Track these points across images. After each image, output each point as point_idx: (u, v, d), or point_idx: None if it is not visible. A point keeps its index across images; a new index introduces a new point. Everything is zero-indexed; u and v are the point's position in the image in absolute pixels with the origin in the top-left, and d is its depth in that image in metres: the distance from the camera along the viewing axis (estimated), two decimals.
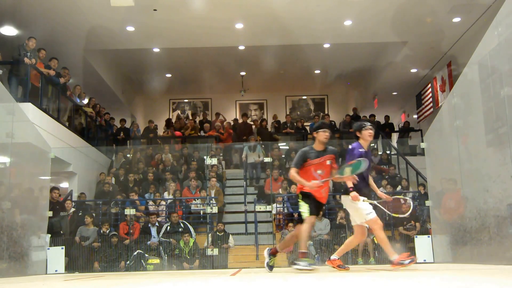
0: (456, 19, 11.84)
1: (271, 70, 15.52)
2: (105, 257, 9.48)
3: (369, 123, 5.69)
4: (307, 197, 5.52)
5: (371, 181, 5.73)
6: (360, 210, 5.41)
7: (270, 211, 10.64)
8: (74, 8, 11.00)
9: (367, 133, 5.60)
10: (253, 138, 13.43)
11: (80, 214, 10.30)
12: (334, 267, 5.72)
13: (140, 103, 18.74)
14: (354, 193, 5.32)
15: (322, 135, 5.61)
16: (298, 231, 5.63)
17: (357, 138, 5.72)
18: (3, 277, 6.53)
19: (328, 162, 5.59)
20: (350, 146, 5.72)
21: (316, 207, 5.53)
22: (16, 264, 7.32)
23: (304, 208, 5.50)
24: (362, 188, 5.48)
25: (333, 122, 15.65)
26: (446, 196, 8.17)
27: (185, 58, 14.81)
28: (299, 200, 5.60)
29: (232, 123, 15.87)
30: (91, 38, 12.37)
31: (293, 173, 5.56)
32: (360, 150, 5.57)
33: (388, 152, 13.93)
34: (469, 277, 3.59)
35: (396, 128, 16.87)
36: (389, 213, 5.92)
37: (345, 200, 5.57)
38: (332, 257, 5.78)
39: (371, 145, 14.24)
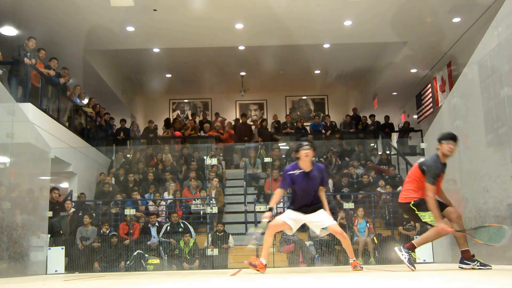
0: (456, 19, 11.84)
1: (271, 70, 15.52)
2: (105, 257, 9.48)
3: (306, 143, 5.51)
4: (421, 204, 5.41)
5: (323, 198, 5.76)
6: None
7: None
8: (74, 8, 11.00)
9: (303, 153, 5.46)
10: (253, 152, 13.20)
11: (80, 214, 10.30)
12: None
13: (140, 103, 18.74)
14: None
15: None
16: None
17: (297, 158, 5.61)
18: (3, 277, 6.53)
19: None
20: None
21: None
22: (16, 264, 7.32)
23: (428, 217, 5.53)
24: (299, 203, 5.59)
25: (333, 123, 15.65)
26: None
27: (185, 58, 14.81)
28: (417, 212, 5.56)
29: (232, 123, 15.88)
30: (91, 38, 12.38)
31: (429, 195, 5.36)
32: (291, 172, 5.54)
33: (388, 152, 13.92)
34: (469, 277, 3.59)
35: (396, 128, 16.86)
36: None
37: None
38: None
39: (371, 145, 14.26)
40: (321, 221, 5.63)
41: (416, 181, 5.40)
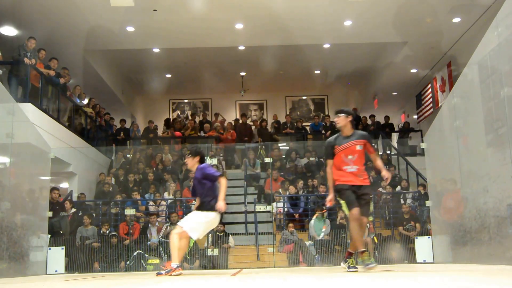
0: (456, 19, 11.84)
1: (271, 70, 15.53)
2: (105, 257, 9.47)
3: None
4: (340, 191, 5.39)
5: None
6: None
7: (270, 211, 10.64)
8: (74, 8, 11.00)
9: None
10: (252, 153, 13.18)
11: (80, 214, 10.30)
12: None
13: (140, 103, 18.74)
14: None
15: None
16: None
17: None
18: (3, 278, 6.53)
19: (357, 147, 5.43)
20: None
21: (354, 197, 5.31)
22: (16, 264, 7.31)
23: (344, 206, 5.39)
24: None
25: (333, 123, 15.63)
26: (446, 196, 8.17)
27: (185, 59, 14.81)
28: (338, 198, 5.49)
29: (233, 123, 15.87)
30: (91, 38, 12.38)
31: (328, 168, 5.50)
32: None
33: (388, 152, 13.93)
34: (469, 277, 3.59)
35: (396, 129, 16.87)
36: None
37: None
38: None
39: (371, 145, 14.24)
40: None
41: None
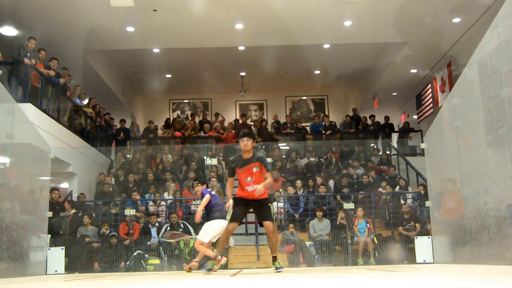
0: (456, 20, 11.84)
1: (271, 70, 15.53)
2: (105, 257, 9.47)
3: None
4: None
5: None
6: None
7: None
8: (74, 9, 11.00)
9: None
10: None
11: (80, 214, 10.30)
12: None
13: (140, 104, 18.74)
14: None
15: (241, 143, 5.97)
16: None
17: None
18: (3, 278, 6.53)
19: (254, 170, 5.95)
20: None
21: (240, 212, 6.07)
22: (16, 264, 7.31)
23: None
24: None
25: (333, 123, 15.66)
26: (446, 196, 8.17)
27: (185, 59, 14.81)
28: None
29: (233, 124, 15.86)
30: (91, 38, 12.37)
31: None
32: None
33: (388, 152, 13.93)
34: (469, 277, 3.59)
35: (396, 129, 16.87)
36: None
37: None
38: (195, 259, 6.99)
39: (371, 145, 14.28)
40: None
41: None
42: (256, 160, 5.90)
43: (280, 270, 5.95)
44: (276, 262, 6.11)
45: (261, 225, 6.06)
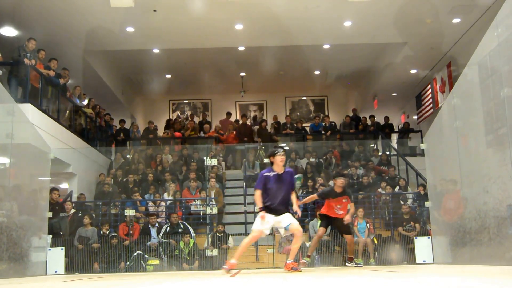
0: (456, 20, 11.84)
1: (271, 71, 15.52)
2: (104, 258, 9.47)
3: (282, 149, 6.33)
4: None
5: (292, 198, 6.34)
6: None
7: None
8: (74, 9, 11.00)
9: (279, 159, 6.16)
10: (251, 156, 13.18)
11: (79, 215, 10.29)
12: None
13: (140, 104, 18.74)
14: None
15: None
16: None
17: (271, 163, 6.31)
18: (3, 278, 6.53)
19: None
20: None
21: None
22: (15, 265, 7.31)
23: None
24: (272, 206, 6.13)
25: (333, 123, 15.65)
26: (446, 197, 8.17)
27: (185, 59, 14.80)
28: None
29: (233, 124, 15.86)
30: (91, 39, 12.37)
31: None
32: (266, 174, 6.24)
33: (388, 153, 13.92)
34: (468, 278, 3.59)
35: (396, 129, 16.87)
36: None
37: None
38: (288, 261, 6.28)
39: (371, 145, 14.28)
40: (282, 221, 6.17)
41: None
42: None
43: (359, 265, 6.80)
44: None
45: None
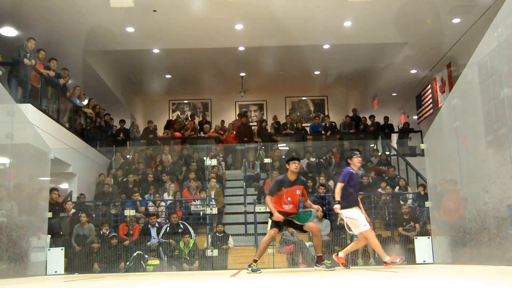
0: (456, 20, 11.84)
1: (271, 71, 15.52)
2: (104, 258, 9.47)
3: (358, 152, 6.81)
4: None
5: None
6: (357, 222, 6.52)
7: (269, 212, 10.61)
8: (73, 9, 11.00)
9: (357, 161, 6.72)
10: (251, 156, 13.16)
11: (80, 215, 10.29)
12: (340, 263, 6.88)
13: (140, 104, 18.73)
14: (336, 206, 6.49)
15: (293, 166, 6.56)
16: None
17: (348, 164, 6.81)
18: (3, 278, 6.53)
19: (297, 192, 6.61)
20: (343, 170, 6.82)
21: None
22: (15, 265, 7.31)
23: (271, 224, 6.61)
24: (353, 201, 6.56)
25: (333, 123, 15.65)
26: (446, 197, 8.17)
27: (185, 59, 14.80)
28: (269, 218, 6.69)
29: (233, 124, 15.83)
30: (90, 39, 12.37)
31: (268, 200, 6.59)
32: (352, 171, 6.69)
33: (387, 153, 13.92)
34: (468, 278, 3.59)
35: (396, 129, 16.87)
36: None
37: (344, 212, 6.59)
38: (340, 254, 6.88)
39: (371, 146, 14.28)
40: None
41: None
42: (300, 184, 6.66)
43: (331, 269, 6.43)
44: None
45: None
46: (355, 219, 6.48)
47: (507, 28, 5.72)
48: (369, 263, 9.33)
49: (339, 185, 6.51)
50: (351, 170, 6.63)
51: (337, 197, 6.47)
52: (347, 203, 6.48)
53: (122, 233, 9.92)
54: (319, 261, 6.62)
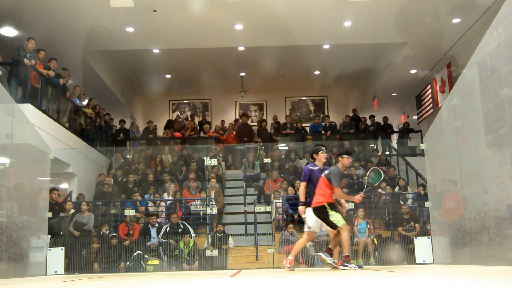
0: (456, 20, 11.84)
1: (271, 71, 15.52)
2: (104, 258, 9.47)
3: (324, 147, 6.88)
4: (334, 206, 6.38)
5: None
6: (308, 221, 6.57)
7: (269, 212, 10.64)
8: (73, 9, 11.00)
9: (323, 156, 6.78)
10: (251, 156, 13.19)
11: (81, 203, 10.32)
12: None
13: (140, 104, 18.74)
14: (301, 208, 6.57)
15: (347, 161, 6.55)
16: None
17: (314, 159, 6.87)
18: (3, 278, 6.53)
19: None
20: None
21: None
22: (15, 265, 7.31)
23: (337, 217, 6.29)
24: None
25: (333, 123, 15.65)
26: (446, 197, 8.17)
27: (185, 59, 14.80)
28: (329, 210, 6.33)
29: (233, 124, 15.82)
30: (90, 39, 12.37)
31: (339, 192, 6.41)
32: (311, 168, 6.74)
33: (387, 153, 13.92)
34: (468, 278, 3.59)
35: (396, 129, 16.87)
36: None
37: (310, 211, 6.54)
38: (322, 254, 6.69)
39: (371, 146, 14.27)
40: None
41: (323, 189, 6.42)
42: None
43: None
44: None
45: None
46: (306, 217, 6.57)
47: (507, 28, 5.72)
48: (369, 263, 9.33)
49: (302, 185, 6.60)
50: (310, 167, 6.69)
51: (302, 197, 6.52)
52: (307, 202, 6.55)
53: (122, 233, 9.92)
54: (347, 260, 6.35)
